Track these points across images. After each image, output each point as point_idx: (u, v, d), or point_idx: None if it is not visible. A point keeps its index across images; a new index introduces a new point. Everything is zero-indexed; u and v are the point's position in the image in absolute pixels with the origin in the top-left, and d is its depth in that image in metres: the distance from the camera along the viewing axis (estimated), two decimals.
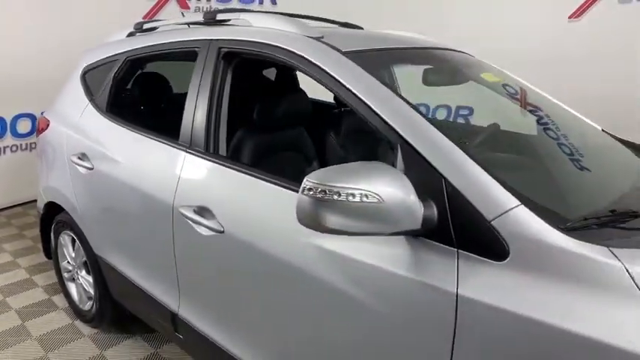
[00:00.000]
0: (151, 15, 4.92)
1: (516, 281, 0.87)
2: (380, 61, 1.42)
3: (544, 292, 0.84)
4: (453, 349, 0.91)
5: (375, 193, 0.88)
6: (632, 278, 0.79)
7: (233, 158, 1.65)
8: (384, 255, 1.02)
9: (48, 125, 2.37)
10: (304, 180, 0.92)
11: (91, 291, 2.27)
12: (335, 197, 0.88)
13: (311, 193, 0.90)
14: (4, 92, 3.71)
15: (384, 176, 0.92)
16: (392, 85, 1.16)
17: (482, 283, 0.90)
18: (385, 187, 0.90)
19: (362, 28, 2.36)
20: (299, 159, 1.88)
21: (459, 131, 1.55)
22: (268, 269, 1.27)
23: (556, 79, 4.50)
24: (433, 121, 1.08)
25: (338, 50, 1.29)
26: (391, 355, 1.02)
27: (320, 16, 2.37)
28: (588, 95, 4.34)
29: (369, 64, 1.27)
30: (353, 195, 0.88)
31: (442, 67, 1.68)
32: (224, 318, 1.50)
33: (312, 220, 0.91)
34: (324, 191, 0.88)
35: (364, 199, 0.88)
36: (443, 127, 1.07)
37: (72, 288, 2.46)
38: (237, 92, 1.69)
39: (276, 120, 1.74)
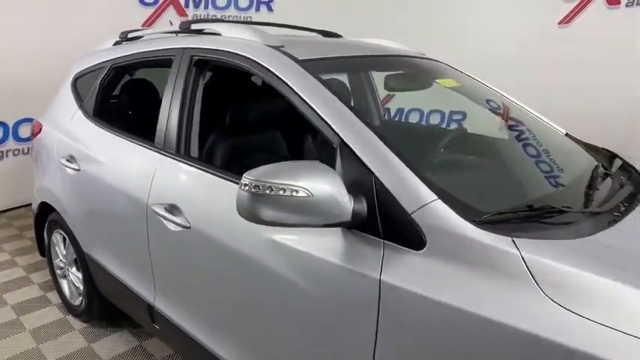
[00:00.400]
0: (149, 22, 5.07)
1: (431, 268, 0.96)
2: (334, 68, 1.52)
3: (454, 278, 0.93)
4: (377, 329, 1.01)
5: (305, 189, 0.98)
6: (526, 265, 0.87)
7: (207, 160, 1.75)
8: (321, 246, 1.12)
9: (41, 129, 2.51)
10: (243, 176, 1.02)
11: (81, 287, 2.39)
12: (267, 192, 0.98)
13: (247, 188, 1.00)
14: (7, 98, 3.86)
15: (315, 174, 1.02)
16: (338, 91, 1.25)
17: (402, 270, 0.99)
18: (315, 184, 1.00)
19: (340, 36, 2.47)
20: (272, 161, 1.97)
21: (406, 133, 1.61)
22: (228, 261, 1.38)
23: (545, 83, 4.58)
24: (374, 124, 1.18)
25: (294, 58, 1.40)
26: (327, 334, 1.12)
27: (301, 26, 2.48)
28: (577, 99, 4.41)
29: (322, 71, 1.37)
30: (284, 190, 0.98)
31: (400, 73, 1.78)
32: (192, 308, 1.60)
33: (249, 212, 1.01)
34: (258, 186, 0.99)
35: (294, 193, 0.98)
36: (384, 129, 1.17)
37: (64, 284, 2.59)
38: (211, 98, 1.80)
39: (248, 124, 1.84)
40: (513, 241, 0.91)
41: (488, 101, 2.04)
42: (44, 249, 2.72)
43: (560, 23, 4.52)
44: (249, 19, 5.57)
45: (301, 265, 1.16)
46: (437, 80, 1.76)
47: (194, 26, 1.82)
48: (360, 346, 1.05)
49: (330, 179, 1.02)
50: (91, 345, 2.31)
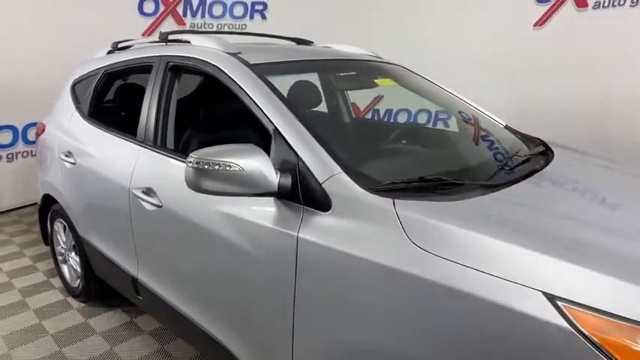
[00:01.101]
0: (150, 31, 5.39)
1: (334, 225, 1.22)
2: (282, 70, 1.77)
3: (349, 232, 1.19)
4: (296, 273, 1.26)
5: (237, 164, 1.25)
6: (399, 219, 1.12)
7: (183, 152, 2.02)
8: (258, 213, 1.38)
9: (44, 130, 2.81)
10: (189, 155, 1.29)
11: (79, 270, 2.68)
12: (206, 167, 1.25)
13: (191, 164, 1.26)
14: (17, 102, 4.18)
15: (247, 154, 1.28)
16: (276, 89, 1.51)
17: (313, 228, 1.25)
18: (246, 161, 1.26)
19: (312, 42, 2.73)
20: None
21: (333, 123, 1.84)
22: (191, 233, 1.64)
23: (523, 83, 4.80)
24: (302, 115, 1.44)
25: (246, 63, 1.66)
26: (264, 284, 1.38)
27: (277, 35, 2.75)
28: (552, 97, 4.62)
29: (269, 73, 1.64)
30: (219, 165, 1.24)
31: (347, 74, 2.04)
32: (167, 277, 1.87)
33: (193, 184, 1.28)
34: (199, 162, 1.25)
35: (227, 168, 1.24)
36: (312, 119, 1.43)
37: (64, 269, 2.88)
38: (189, 98, 2.07)
39: (219, 120, 2.11)
40: (394, 202, 1.17)
41: (435, 99, 2.31)
42: (48, 238, 3.02)
43: (535, 25, 4.75)
44: (243, 27, 5.88)
45: (243, 230, 1.42)
46: (376, 80, 2.02)
47: (171, 37, 2.10)
48: (285, 287, 1.30)
49: (260, 158, 1.28)
50: (87, 321, 2.59)
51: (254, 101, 1.50)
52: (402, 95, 2.02)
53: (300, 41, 2.67)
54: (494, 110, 2.59)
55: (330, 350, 1.22)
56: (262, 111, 1.46)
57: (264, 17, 5.95)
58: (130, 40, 2.49)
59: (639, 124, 4.08)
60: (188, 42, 1.97)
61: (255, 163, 1.26)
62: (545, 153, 1.88)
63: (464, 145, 1.76)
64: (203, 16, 5.71)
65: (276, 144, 1.39)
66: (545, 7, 4.66)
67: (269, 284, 1.36)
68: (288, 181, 1.31)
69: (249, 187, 1.27)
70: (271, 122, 1.43)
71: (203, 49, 1.84)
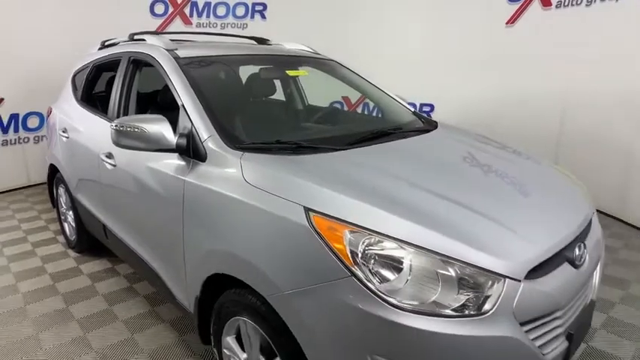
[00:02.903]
0: (160, 29, 6.01)
1: (207, 171, 1.72)
2: (206, 63, 2.28)
3: (216, 175, 1.68)
4: (183, 205, 1.78)
5: (143, 128, 1.77)
6: (241, 165, 1.61)
7: None
8: (167, 166, 1.90)
9: (51, 112, 3.46)
10: (113, 121, 1.82)
11: (74, 225, 3.31)
12: (121, 129, 1.78)
13: (114, 127, 1.80)
14: (43, 93, 4.89)
15: (152, 121, 1.79)
16: (191, 77, 2.03)
17: (195, 173, 1.75)
18: (150, 125, 1.77)
19: (267, 40, 3.22)
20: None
21: (228, 101, 2.27)
22: (132, 184, 2.19)
23: (497, 76, 5.11)
24: (204, 95, 1.94)
25: (176, 57, 2.18)
26: (168, 214, 1.89)
27: (237, 34, 3.28)
28: (523, 91, 4.92)
29: (194, 65, 2.15)
30: (131, 128, 1.77)
31: (265, 67, 2.54)
32: (121, 220, 2.43)
33: (115, 141, 1.82)
34: (118, 125, 1.79)
35: (135, 129, 1.77)
36: (209, 98, 1.93)
37: (65, 226, 3.52)
38: (149, 84, 2.61)
39: (158, 100, 2.57)
40: (241, 155, 1.66)
41: (355, 87, 2.77)
42: (54, 201, 3.68)
43: (507, 23, 5.04)
44: (245, 26, 6.43)
45: (157, 178, 1.95)
46: (286, 71, 2.51)
47: (136, 37, 2.66)
48: (178, 214, 1.81)
49: (161, 124, 1.79)
50: (78, 266, 3.22)
51: (173, 85, 2.03)
52: (326, 83, 2.50)
53: (259, 40, 3.18)
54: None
55: (205, 255, 1.70)
56: (177, 92, 1.99)
57: (263, 17, 6.48)
58: (115, 38, 3.07)
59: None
60: (144, 40, 2.52)
61: (156, 127, 1.78)
62: (428, 130, 2.32)
63: (343, 120, 2.22)
64: (208, 16, 6.31)
65: (181, 115, 1.91)
66: (515, 6, 4.94)
67: (170, 214, 1.88)
68: (183, 141, 1.82)
69: (152, 144, 1.79)
70: (181, 99, 1.95)
71: (151, 46, 2.38)
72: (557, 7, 4.53)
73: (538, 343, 1.35)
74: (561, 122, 4.60)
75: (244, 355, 1.66)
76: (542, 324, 1.37)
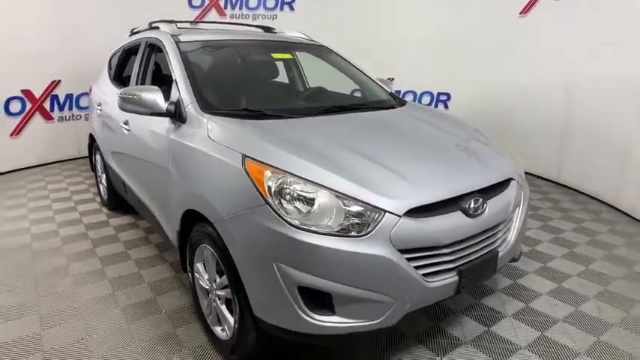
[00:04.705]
0: (197, 19, 6.57)
1: (187, 130, 2.16)
2: (204, 47, 2.72)
3: (191, 133, 2.12)
4: (169, 157, 2.24)
5: (140, 96, 2.24)
6: (207, 125, 2.04)
7: None
8: (163, 128, 2.37)
9: (91, 89, 4.08)
10: (120, 90, 2.31)
11: (106, 185, 3.91)
12: (125, 96, 2.26)
13: (119, 95, 2.29)
14: (92, 75, 5.57)
15: (149, 91, 2.26)
16: (186, 58, 2.48)
17: (177, 133, 2.21)
18: (146, 94, 2.24)
19: (272, 29, 3.63)
20: None
21: (215, 77, 2.68)
22: (142, 146, 2.69)
23: (510, 65, 5.23)
24: (195, 72, 2.39)
25: (177, 41, 2.65)
26: (160, 166, 2.35)
27: (246, 23, 3.73)
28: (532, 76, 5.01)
29: (192, 49, 2.61)
30: (130, 94, 2.25)
31: (256, 50, 2.96)
32: (136, 177, 2.95)
33: (120, 106, 2.30)
34: (122, 94, 2.27)
35: (134, 97, 2.24)
36: (198, 73, 2.38)
37: (100, 188, 4.15)
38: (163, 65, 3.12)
39: (165, 76, 3.04)
40: (209, 118, 2.08)
41: (339, 68, 3.13)
42: (93, 167, 4.33)
43: (520, 13, 5.12)
44: (274, 17, 6.88)
45: (154, 138, 2.44)
46: (272, 54, 2.91)
47: (153, 25, 3.16)
48: (165, 166, 2.28)
49: (155, 93, 2.25)
50: (108, 219, 3.82)
51: (171, 63, 2.50)
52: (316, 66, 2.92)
53: (265, 28, 3.60)
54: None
55: (181, 196, 2.14)
56: (172, 68, 2.45)
57: (292, 9, 6.90)
58: (140, 27, 3.61)
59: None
60: (158, 28, 3.01)
61: (151, 95, 2.25)
62: (393, 107, 2.66)
63: (324, 98, 2.64)
64: (241, 8, 6.81)
65: (173, 87, 2.37)
66: None
67: (161, 165, 2.35)
68: (172, 107, 2.27)
69: (148, 109, 2.26)
70: (174, 75, 2.41)
71: (161, 32, 2.86)
72: None
73: (423, 271, 1.69)
74: (569, 109, 4.67)
75: (206, 276, 2.10)
76: (427, 256, 1.70)
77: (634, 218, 3.87)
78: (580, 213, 4.04)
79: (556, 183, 4.94)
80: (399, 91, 6.51)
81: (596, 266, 3.02)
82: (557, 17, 4.70)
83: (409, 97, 6.60)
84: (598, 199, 4.36)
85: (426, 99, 6.52)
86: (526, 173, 5.29)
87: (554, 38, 4.72)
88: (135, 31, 3.63)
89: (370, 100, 2.79)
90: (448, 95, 6.29)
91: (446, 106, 6.33)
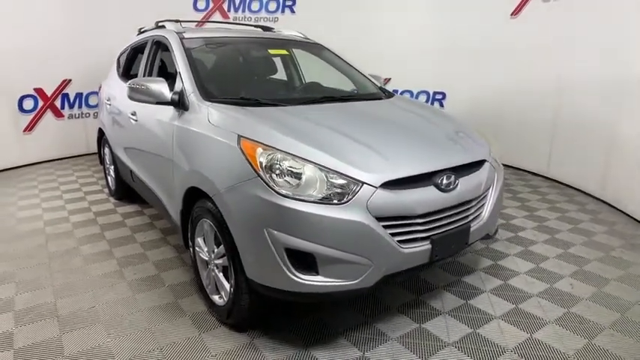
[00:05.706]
0: (201, 23, 6.81)
1: (189, 116, 2.37)
2: (205, 43, 2.94)
3: (192, 118, 2.33)
4: (173, 141, 2.45)
5: (148, 86, 2.46)
6: (208, 111, 2.25)
7: None
8: (166, 115, 2.59)
9: (101, 86, 4.32)
10: (129, 81, 2.53)
11: (114, 176, 4.14)
12: (132, 86, 2.48)
13: (129, 85, 2.51)
14: (101, 75, 5.84)
15: (155, 81, 2.48)
16: (189, 53, 2.70)
17: (181, 119, 2.42)
18: (152, 84, 2.46)
19: (272, 28, 3.86)
20: None
21: (218, 71, 2.93)
22: (148, 134, 2.91)
23: (503, 66, 5.43)
24: (197, 65, 2.61)
25: (181, 38, 2.87)
26: (166, 151, 2.57)
27: (246, 22, 3.95)
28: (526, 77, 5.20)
29: (194, 45, 2.83)
30: (139, 85, 2.47)
31: (254, 47, 3.18)
32: (142, 165, 3.17)
33: (129, 96, 2.52)
34: (132, 84, 2.49)
35: (142, 87, 2.46)
36: (199, 67, 2.60)
37: (108, 179, 4.38)
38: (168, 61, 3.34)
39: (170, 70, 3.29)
40: (210, 105, 2.30)
41: (332, 64, 3.34)
42: (101, 160, 4.56)
43: (512, 15, 5.32)
44: (275, 19, 7.12)
45: (160, 125, 2.65)
46: (269, 50, 3.13)
47: (160, 24, 3.40)
48: (169, 149, 2.49)
49: (160, 84, 2.47)
50: (115, 208, 4.04)
51: (175, 57, 2.72)
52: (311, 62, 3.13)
53: (264, 28, 3.83)
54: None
55: (184, 176, 2.34)
56: (176, 62, 2.68)
57: (293, 11, 7.14)
58: (147, 26, 3.84)
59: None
60: (164, 27, 3.24)
61: (157, 85, 2.47)
62: (381, 98, 2.87)
63: (318, 91, 2.86)
64: (244, 10, 7.06)
65: (177, 79, 2.59)
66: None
67: (166, 150, 2.57)
68: (176, 97, 2.49)
69: (154, 98, 2.48)
70: (179, 67, 2.63)
71: (167, 30, 3.09)
72: None
73: (398, 238, 1.89)
74: (557, 107, 4.85)
75: (206, 248, 2.31)
76: (402, 225, 1.90)
77: (617, 209, 4.04)
78: (566, 204, 4.21)
79: (546, 177, 5.12)
80: (396, 91, 6.72)
81: (575, 250, 3.19)
82: (546, 18, 4.90)
83: (406, 96, 6.80)
84: (584, 192, 4.53)
85: (422, 98, 6.72)
86: (517, 168, 5.50)
87: (544, 38, 4.92)
88: (142, 30, 3.87)
89: (360, 93, 3.00)
90: (443, 94, 6.49)
91: (441, 105, 6.53)
